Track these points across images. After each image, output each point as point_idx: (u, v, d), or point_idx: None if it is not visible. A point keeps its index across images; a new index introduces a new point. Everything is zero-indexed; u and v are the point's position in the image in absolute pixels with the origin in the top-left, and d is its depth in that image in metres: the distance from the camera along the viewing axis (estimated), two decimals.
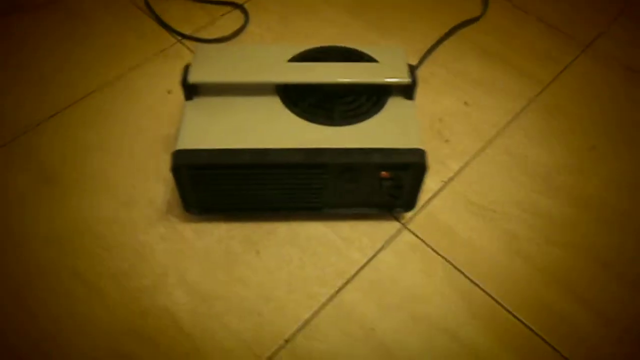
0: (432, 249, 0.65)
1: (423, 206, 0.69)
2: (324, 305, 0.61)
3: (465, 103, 0.79)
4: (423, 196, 0.69)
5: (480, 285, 0.63)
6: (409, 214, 0.68)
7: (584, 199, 0.70)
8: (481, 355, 0.58)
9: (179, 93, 0.79)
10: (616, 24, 0.91)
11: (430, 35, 0.87)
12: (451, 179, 0.72)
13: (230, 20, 0.89)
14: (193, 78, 0.60)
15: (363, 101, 0.62)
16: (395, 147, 0.58)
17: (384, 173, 0.59)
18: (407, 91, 0.63)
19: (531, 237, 0.67)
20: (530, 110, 0.79)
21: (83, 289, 0.62)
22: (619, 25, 0.90)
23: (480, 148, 0.75)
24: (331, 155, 0.57)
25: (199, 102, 0.62)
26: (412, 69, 0.62)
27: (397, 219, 0.68)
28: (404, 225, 0.67)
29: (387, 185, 0.60)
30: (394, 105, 0.62)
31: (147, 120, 0.77)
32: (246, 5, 0.91)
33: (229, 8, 0.91)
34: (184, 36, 0.86)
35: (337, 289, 0.62)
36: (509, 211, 0.69)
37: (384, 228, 0.67)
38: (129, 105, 0.79)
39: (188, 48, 0.86)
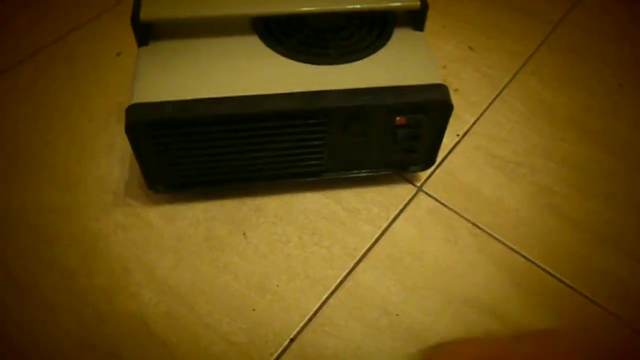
0: (456, 213, 0.54)
1: (438, 165, 0.58)
2: (334, 291, 0.49)
3: (470, 48, 0.69)
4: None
5: (517, 249, 0.52)
6: (423, 175, 0.57)
7: (617, 144, 0.60)
8: (527, 328, 0.47)
9: (130, 54, 0.66)
10: None
11: None
12: (467, 132, 0.61)
13: None
14: (146, 14, 0.47)
15: (364, 34, 0.50)
16: (411, 84, 0.46)
17: (399, 119, 0.47)
18: (415, 19, 0.51)
19: (564, 191, 0.56)
20: (542, 52, 0.69)
21: (18, 295, 0.47)
22: None
23: (494, 96, 0.64)
24: (334, 98, 0.45)
25: (156, 47, 0.49)
26: None
27: (410, 181, 0.56)
28: (420, 188, 0.56)
29: (403, 135, 0.49)
30: (401, 37, 0.51)
31: (94, 88, 0.63)
32: None
33: None
34: None
35: (347, 270, 0.50)
36: (536, 163, 0.58)
37: (397, 193, 0.55)
38: (70, 72, 0.64)
39: None
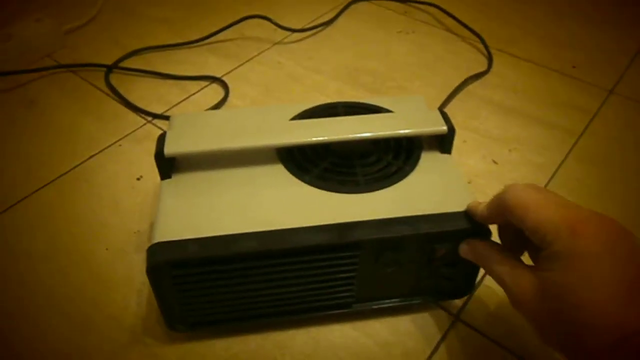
0: (500, 345, 0.49)
1: (474, 289, 0.54)
2: None
3: (494, 162, 0.68)
4: None
5: None
6: (459, 301, 0.53)
7: None
8: None
9: (151, 179, 0.66)
10: (634, 65, 0.84)
11: (434, 95, 0.78)
12: None
13: (207, 95, 0.78)
14: (171, 149, 0.46)
15: (390, 159, 0.49)
16: (445, 211, 0.44)
17: (435, 247, 0.44)
18: (442, 143, 0.50)
19: None
20: (569, 164, 0.68)
21: None
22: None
23: None
24: (366, 230, 0.42)
25: (179, 180, 0.48)
26: (445, 115, 0.50)
27: (445, 309, 0.52)
28: (457, 317, 0.52)
29: (439, 264, 0.46)
30: (429, 160, 0.50)
31: (113, 215, 0.61)
32: (225, 78, 0.80)
33: (206, 82, 0.80)
34: (154, 116, 0.74)
35: None
36: None
37: (433, 323, 0.51)
38: (89, 199, 0.63)
39: (160, 128, 0.72)
